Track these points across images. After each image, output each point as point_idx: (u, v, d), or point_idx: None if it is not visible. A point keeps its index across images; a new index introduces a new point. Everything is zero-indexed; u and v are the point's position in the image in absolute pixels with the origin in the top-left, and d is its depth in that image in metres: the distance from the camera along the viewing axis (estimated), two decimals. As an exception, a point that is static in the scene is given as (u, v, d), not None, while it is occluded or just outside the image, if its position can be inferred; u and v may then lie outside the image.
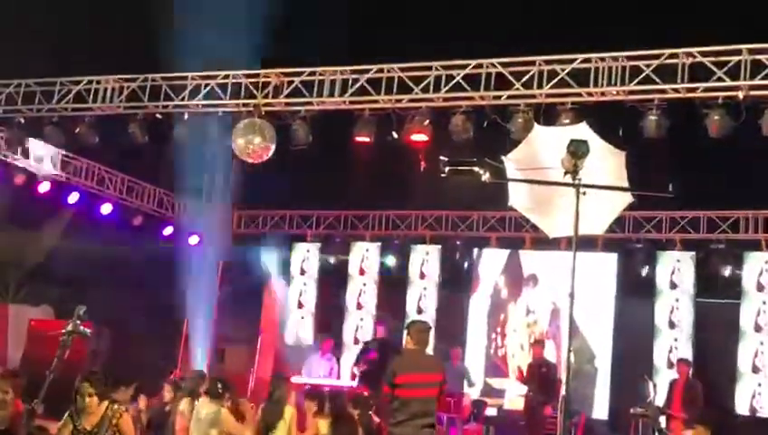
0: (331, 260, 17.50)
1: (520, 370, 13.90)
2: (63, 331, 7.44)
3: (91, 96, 12.78)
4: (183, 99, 12.40)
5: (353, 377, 14.89)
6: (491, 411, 14.94)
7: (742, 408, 13.98)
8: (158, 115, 12.64)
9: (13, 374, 8.73)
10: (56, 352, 8.17)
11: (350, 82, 11.65)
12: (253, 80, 12.13)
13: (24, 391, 8.74)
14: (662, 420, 12.18)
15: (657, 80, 10.27)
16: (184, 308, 17.70)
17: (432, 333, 15.94)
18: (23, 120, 13.23)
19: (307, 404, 9.37)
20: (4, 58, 13.06)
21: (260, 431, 8.47)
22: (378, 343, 14.51)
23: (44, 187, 14.93)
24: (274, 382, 9.26)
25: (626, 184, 6.43)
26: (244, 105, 12.08)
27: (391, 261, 17.02)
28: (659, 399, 12.71)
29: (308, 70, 11.90)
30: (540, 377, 12.92)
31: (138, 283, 16.41)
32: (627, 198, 6.56)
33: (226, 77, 12.29)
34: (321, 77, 11.82)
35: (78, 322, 7.53)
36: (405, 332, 9.09)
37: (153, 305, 16.52)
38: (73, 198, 15.41)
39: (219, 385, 8.55)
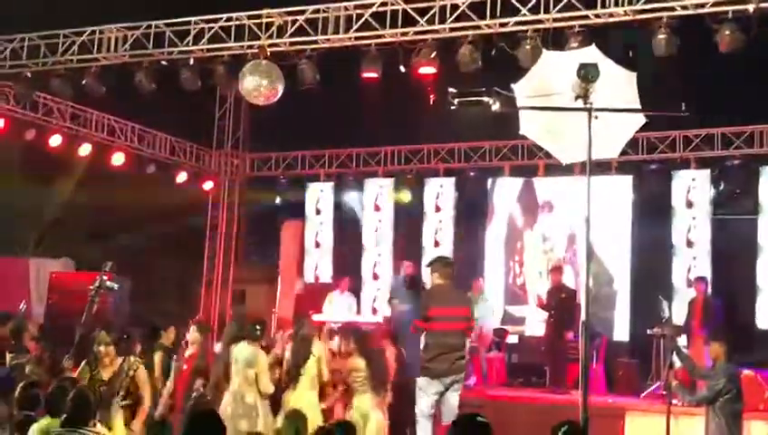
0: (346, 198, 17.52)
1: (539, 297, 13.98)
2: (91, 287, 7.55)
3: (96, 46, 12.73)
4: (187, 44, 12.33)
5: (375, 311, 14.99)
6: (512, 339, 15.06)
7: (763, 322, 14.03)
8: (163, 62, 12.58)
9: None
10: (80, 304, 8.29)
11: (354, 17, 11.52)
12: (256, 21, 12.03)
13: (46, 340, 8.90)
14: (683, 338, 12.28)
15: (666, -4, 10.13)
16: (203, 253, 17.87)
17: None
18: (29, 75, 13.20)
19: (339, 341, 9.45)
20: (6, 12, 12.99)
21: (290, 371, 8.55)
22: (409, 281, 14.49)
23: (56, 140, 14.94)
24: (299, 321, 9.33)
25: (638, 105, 6.35)
26: (249, 47, 11.99)
27: (406, 196, 17.02)
28: (679, 318, 12.81)
29: (311, 8, 11.77)
30: (559, 302, 13.00)
31: (154, 231, 16.54)
32: (640, 120, 6.47)
33: (229, 19, 12.19)
34: (324, 14, 11.69)
35: (105, 277, 7.64)
36: (429, 269, 9.21)
37: (171, 252, 16.68)
38: (85, 149, 15.41)
39: (258, 327, 8.65)
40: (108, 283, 7.69)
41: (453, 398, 8.75)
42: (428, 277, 9.51)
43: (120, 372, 7.65)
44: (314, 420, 7.72)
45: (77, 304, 8.38)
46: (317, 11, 11.74)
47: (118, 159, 15.86)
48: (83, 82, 12.80)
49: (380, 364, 8.72)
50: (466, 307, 9.26)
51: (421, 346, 8.94)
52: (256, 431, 7.79)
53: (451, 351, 8.74)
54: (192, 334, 9.23)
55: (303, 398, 8.30)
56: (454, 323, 8.86)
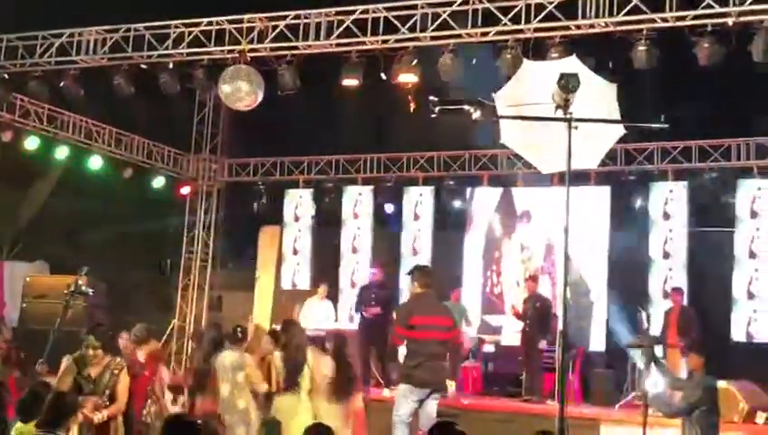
0: (324, 205, 17.46)
1: (514, 307, 14.02)
2: (66, 291, 7.50)
3: (74, 49, 12.64)
4: (167, 48, 12.27)
5: (351, 319, 14.96)
6: (488, 348, 15.07)
7: (738, 334, 14.09)
8: (142, 65, 12.51)
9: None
10: (55, 308, 8.23)
11: (336, 24, 11.51)
12: (236, 25, 11.99)
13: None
14: (659, 349, 12.32)
15: (646, 9, 10.17)
16: (179, 258, 17.75)
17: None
18: (6, 76, 13.08)
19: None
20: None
21: (287, 378, 8.47)
22: (377, 287, 14.48)
23: (32, 142, 14.79)
24: (290, 329, 9.15)
25: (618, 116, 6.38)
26: (229, 52, 11.95)
27: (384, 204, 17.00)
28: (655, 329, 12.85)
29: (292, 13, 11.75)
30: (534, 312, 13.04)
31: (130, 235, 16.43)
32: (619, 131, 6.50)
33: (210, 24, 12.15)
34: (306, 20, 11.68)
35: (80, 282, 7.59)
36: (409, 277, 9.19)
37: (147, 257, 16.57)
38: (62, 152, 15.29)
39: (239, 329, 8.61)
40: (83, 287, 7.64)
41: (431, 406, 8.74)
42: (407, 286, 9.49)
43: (105, 371, 7.62)
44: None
45: (51, 308, 8.31)
46: (298, 17, 11.72)
47: (95, 162, 15.73)
48: (61, 84, 12.71)
49: (347, 372, 8.71)
50: (449, 317, 9.26)
51: (401, 354, 8.92)
52: None
53: (434, 360, 8.73)
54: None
55: (302, 406, 8.31)
56: (437, 333, 8.84)
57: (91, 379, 7.54)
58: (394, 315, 9.42)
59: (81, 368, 7.54)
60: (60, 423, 5.87)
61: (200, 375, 8.69)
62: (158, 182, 17.11)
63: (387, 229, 17.07)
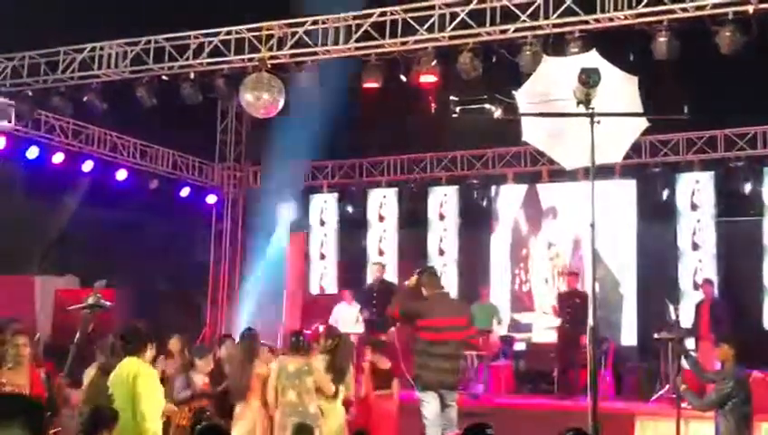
0: (350, 209, 17.49)
1: (554, 308, 13.84)
2: (84, 305, 7.56)
3: (96, 63, 12.76)
4: (187, 58, 12.35)
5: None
6: (519, 346, 15.02)
7: (770, 323, 13.98)
8: (163, 77, 12.60)
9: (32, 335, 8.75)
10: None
11: (354, 27, 11.54)
12: (256, 33, 12.04)
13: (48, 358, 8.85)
14: (691, 341, 12.22)
15: (665, 0, 10.11)
16: (207, 267, 17.85)
17: (455, 273, 16.22)
18: (30, 93, 13.22)
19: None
20: (6, 31, 13.02)
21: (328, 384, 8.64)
22: (378, 284, 14.57)
23: (58, 157, 14.97)
24: (336, 337, 9.15)
25: (640, 109, 6.34)
26: (249, 60, 12.00)
27: (409, 205, 17.00)
28: (686, 321, 12.75)
29: (310, 19, 11.79)
30: (573, 308, 12.90)
31: (159, 246, 16.53)
32: (642, 124, 6.46)
33: (229, 33, 12.21)
34: (324, 26, 11.71)
35: (98, 295, 7.64)
36: (417, 281, 9.02)
37: (176, 267, 16.66)
38: (88, 166, 15.44)
39: (301, 338, 8.66)
40: (102, 301, 7.69)
41: (448, 410, 8.68)
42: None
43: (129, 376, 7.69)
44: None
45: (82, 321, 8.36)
46: (316, 22, 11.76)
47: (120, 174, 15.88)
48: (84, 98, 12.82)
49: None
50: (463, 316, 9.13)
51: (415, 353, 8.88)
52: None
53: (444, 360, 8.64)
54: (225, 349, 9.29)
55: (335, 412, 8.38)
56: (449, 334, 8.74)
57: None
58: (394, 303, 9.29)
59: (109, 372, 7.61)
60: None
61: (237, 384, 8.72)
62: (184, 192, 17.22)
63: (413, 230, 17.04)
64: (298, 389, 8.28)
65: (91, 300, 7.66)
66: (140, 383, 6.70)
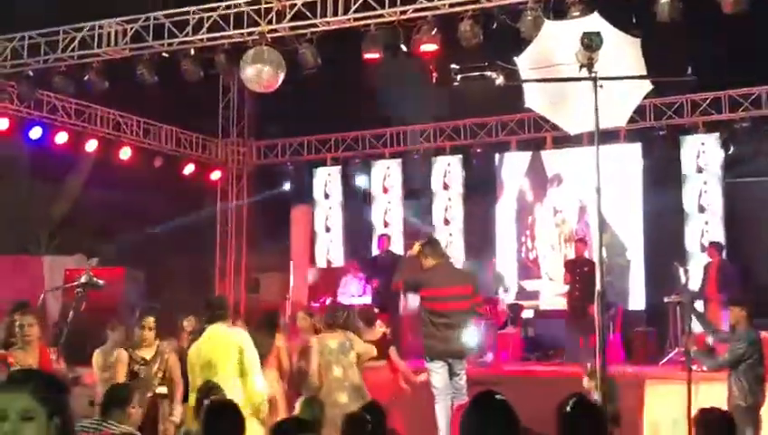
0: (354, 181, 17.47)
1: (566, 274, 13.79)
2: (76, 283, 7.61)
3: (96, 41, 12.68)
4: (187, 34, 12.27)
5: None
6: (527, 314, 15.03)
7: (779, 284, 13.95)
8: (164, 54, 12.54)
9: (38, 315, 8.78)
10: (94, 300, 8.30)
11: (353, -2, 11.44)
12: (254, 7, 11.94)
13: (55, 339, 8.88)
14: (699, 304, 12.22)
15: (667, -40, 10.00)
16: (214, 243, 17.87)
17: (461, 243, 16.22)
18: (31, 73, 13.18)
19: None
20: (5, 12, 12.96)
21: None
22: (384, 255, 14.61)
23: (62, 137, 14.97)
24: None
25: (644, 72, 6.28)
26: (249, 34, 11.93)
27: (413, 175, 16.97)
28: (694, 284, 12.75)
29: (309, -10, 11.69)
30: (582, 276, 12.88)
31: (165, 223, 16.53)
32: (646, 87, 6.40)
33: (228, 7, 12.12)
34: (322, -3, 11.61)
35: (91, 274, 7.67)
36: (419, 252, 8.99)
37: (183, 243, 16.67)
38: (91, 145, 15.43)
39: (337, 314, 8.64)
40: (94, 279, 7.71)
41: (456, 379, 8.70)
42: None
43: (157, 355, 7.78)
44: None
45: (91, 299, 8.37)
46: (314, -7, 11.65)
47: (124, 153, 15.87)
48: (86, 77, 12.78)
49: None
50: (468, 285, 9.13)
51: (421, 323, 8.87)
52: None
53: (449, 329, 8.66)
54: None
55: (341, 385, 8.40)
56: (454, 303, 8.74)
57: (145, 361, 7.71)
58: (397, 274, 9.28)
59: (131, 353, 7.71)
60: (112, 415, 5.94)
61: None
62: (189, 169, 17.20)
63: (416, 201, 17.03)
64: (342, 364, 8.27)
65: (83, 279, 7.68)
66: (249, 351, 7.24)
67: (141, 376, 7.61)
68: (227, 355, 7.28)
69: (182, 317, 9.56)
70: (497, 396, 4.02)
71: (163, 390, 7.80)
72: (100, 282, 7.81)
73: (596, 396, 6.71)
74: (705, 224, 14.63)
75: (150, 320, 7.85)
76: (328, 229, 17.57)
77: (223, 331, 7.45)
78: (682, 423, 7.43)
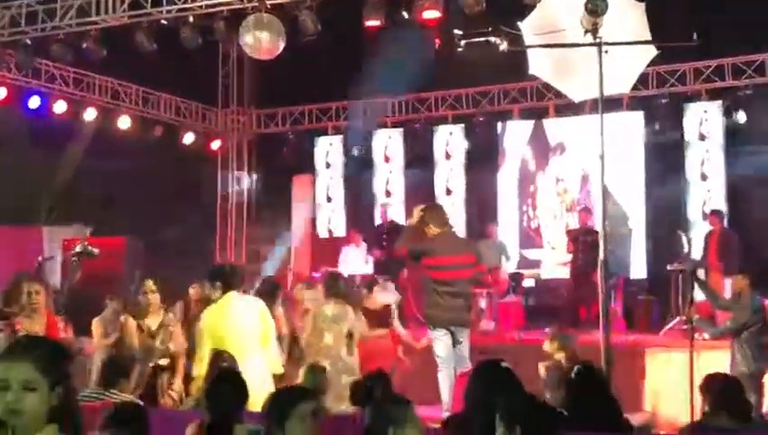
0: (356, 151, 17.39)
1: (569, 243, 13.76)
2: (72, 252, 7.61)
3: (94, 9, 12.55)
4: (186, 1, 12.15)
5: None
6: (528, 283, 15.03)
7: (781, 252, 13.92)
8: (162, 21, 12.42)
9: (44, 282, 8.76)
10: (95, 269, 8.30)
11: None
12: (254, -27, 11.82)
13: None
14: (701, 272, 12.20)
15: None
16: (215, 213, 17.84)
17: (463, 212, 16.20)
18: (29, 42, 13.07)
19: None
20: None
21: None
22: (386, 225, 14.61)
23: (60, 107, 14.89)
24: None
25: (648, 37, 6.21)
26: (249, 1, 11.80)
27: (415, 144, 16.88)
28: (696, 252, 12.72)
29: (309, -45, 11.56)
30: (585, 245, 12.86)
31: (165, 193, 16.48)
32: (650, 52, 6.34)
33: (227, -26, 12.00)
34: (322, -39, 11.49)
35: (86, 243, 7.67)
36: (422, 219, 8.92)
37: (183, 214, 16.63)
38: (90, 114, 15.35)
39: (339, 283, 8.61)
40: (89, 248, 7.71)
41: (459, 347, 8.69)
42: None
43: (161, 328, 7.76)
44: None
45: (91, 268, 8.38)
46: (314, -42, 11.53)
47: (123, 122, 15.78)
48: (84, 45, 12.68)
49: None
50: (471, 253, 9.11)
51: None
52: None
53: (452, 298, 8.64)
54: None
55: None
56: (457, 272, 8.71)
57: (151, 331, 7.67)
58: (399, 242, 9.23)
59: (138, 320, 7.69)
60: (113, 384, 5.94)
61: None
62: (188, 138, 17.12)
63: (418, 170, 16.96)
64: (334, 332, 8.26)
65: (78, 248, 7.68)
66: (270, 321, 7.32)
67: (144, 347, 7.60)
68: (249, 324, 7.18)
69: (187, 285, 9.55)
70: (502, 363, 4.01)
71: (164, 362, 7.78)
72: (95, 251, 7.81)
73: (559, 357, 6.79)
74: (707, 192, 14.57)
75: (150, 283, 7.80)
76: (329, 199, 17.52)
77: (242, 299, 7.37)
78: (684, 391, 7.44)
